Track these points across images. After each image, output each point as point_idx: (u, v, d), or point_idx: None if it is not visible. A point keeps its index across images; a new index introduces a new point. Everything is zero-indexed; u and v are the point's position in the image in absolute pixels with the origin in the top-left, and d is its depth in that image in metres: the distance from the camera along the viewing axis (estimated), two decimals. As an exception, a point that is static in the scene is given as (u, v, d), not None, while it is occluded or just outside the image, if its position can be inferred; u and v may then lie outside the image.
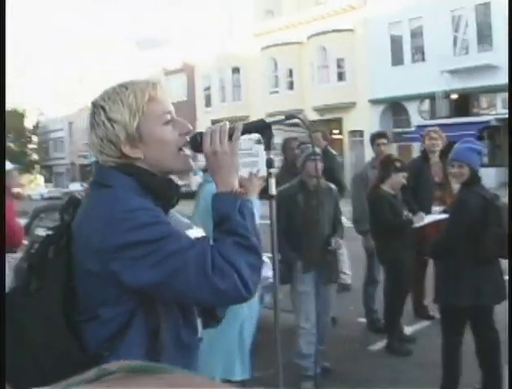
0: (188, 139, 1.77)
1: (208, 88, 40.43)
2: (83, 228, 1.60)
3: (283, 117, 1.86)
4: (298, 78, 33.75)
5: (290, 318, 5.00)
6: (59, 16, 62.29)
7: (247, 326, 4.22)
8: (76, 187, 43.08)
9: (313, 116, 30.74)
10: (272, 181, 1.88)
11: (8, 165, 6.20)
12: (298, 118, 1.93)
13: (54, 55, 58.91)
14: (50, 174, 64.11)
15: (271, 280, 5.66)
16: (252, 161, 3.56)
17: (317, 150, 5.21)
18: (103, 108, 1.69)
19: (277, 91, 34.72)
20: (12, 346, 1.59)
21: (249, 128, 1.80)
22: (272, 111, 34.29)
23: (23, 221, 6.57)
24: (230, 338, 4.08)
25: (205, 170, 4.27)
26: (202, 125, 38.02)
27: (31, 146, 62.47)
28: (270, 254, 5.20)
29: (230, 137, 1.73)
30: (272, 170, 1.87)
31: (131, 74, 46.82)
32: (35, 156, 62.82)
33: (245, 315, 4.15)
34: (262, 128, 1.83)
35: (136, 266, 1.52)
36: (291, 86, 34.38)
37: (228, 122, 1.78)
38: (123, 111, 1.67)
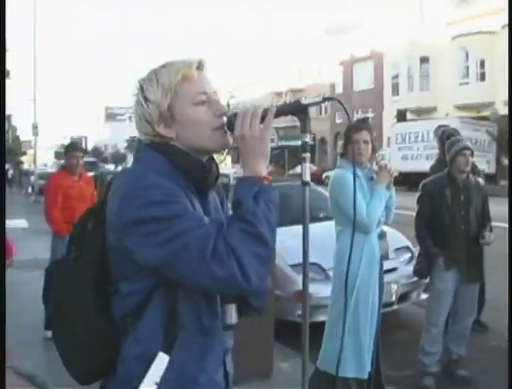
0: (225, 120, 1.72)
1: (396, 77, 39.66)
2: (108, 202, 1.64)
3: (320, 98, 1.73)
4: (490, 69, 31.81)
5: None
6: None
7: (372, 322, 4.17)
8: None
9: (504, 110, 28.79)
10: (306, 166, 1.74)
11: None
12: (337, 100, 1.80)
13: (247, 44, 61.19)
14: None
15: (414, 278, 5.64)
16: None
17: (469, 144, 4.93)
18: (141, 87, 1.72)
19: (467, 83, 33.10)
20: (54, 312, 1.72)
21: (283, 110, 1.71)
22: (461, 103, 32.79)
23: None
24: (361, 335, 4.06)
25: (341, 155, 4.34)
26: (389, 114, 37.60)
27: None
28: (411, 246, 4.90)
29: (263, 119, 1.64)
30: (306, 155, 1.74)
31: (318, 60, 47.75)
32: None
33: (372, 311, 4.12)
34: (298, 110, 1.72)
35: (146, 243, 1.51)
36: (482, 77, 32.55)
37: (262, 105, 1.70)
38: (156, 90, 1.68)
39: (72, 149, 6.55)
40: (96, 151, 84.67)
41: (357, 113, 43.35)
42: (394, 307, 6.17)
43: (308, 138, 1.73)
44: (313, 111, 29.83)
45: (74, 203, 6.13)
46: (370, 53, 42.48)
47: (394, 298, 6.07)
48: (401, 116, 35.49)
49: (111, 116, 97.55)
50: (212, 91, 1.73)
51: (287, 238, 5.94)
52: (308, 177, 1.75)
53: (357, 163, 4.15)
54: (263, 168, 1.63)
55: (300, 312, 5.24)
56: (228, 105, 65.94)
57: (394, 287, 6.05)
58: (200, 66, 1.73)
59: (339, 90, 47.10)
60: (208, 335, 1.66)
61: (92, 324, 1.62)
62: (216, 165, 1.79)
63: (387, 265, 4.81)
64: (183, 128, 1.69)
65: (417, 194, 5.01)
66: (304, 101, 1.71)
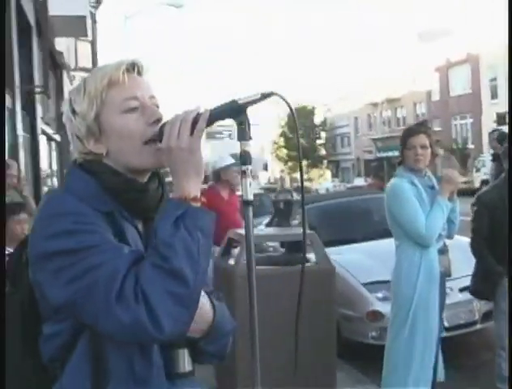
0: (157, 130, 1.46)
1: (494, 79, 38.39)
2: None
3: (258, 95, 1.43)
4: None
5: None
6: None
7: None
8: (360, 182, 44.50)
9: None
10: (247, 182, 1.44)
11: (228, 160, 6.63)
12: (277, 95, 1.43)
13: (341, 56, 61.06)
14: (337, 169, 66.77)
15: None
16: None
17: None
18: (70, 99, 1.52)
19: None
20: None
21: (218, 114, 1.43)
22: None
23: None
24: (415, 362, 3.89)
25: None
26: (488, 118, 36.47)
27: (319, 141, 65.89)
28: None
29: (193, 128, 1.39)
30: (246, 168, 1.43)
31: (412, 67, 46.93)
32: (323, 151, 66.10)
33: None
34: (235, 112, 1.43)
35: (54, 280, 1.32)
36: None
37: (200, 107, 1.44)
38: (83, 100, 1.47)
39: None
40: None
41: (455, 119, 42.38)
42: (478, 326, 5.81)
43: (248, 147, 1.43)
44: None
45: None
46: (466, 57, 41.41)
47: (477, 317, 5.76)
48: (501, 119, 34.33)
49: (211, 134, 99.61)
50: (148, 96, 1.51)
51: (361, 255, 6.14)
52: (250, 195, 1.44)
53: (415, 170, 3.95)
54: (193, 187, 1.39)
55: (374, 333, 5.41)
56: (325, 120, 65.90)
57: (477, 305, 5.67)
58: (131, 69, 1.50)
59: (435, 97, 46.17)
60: (144, 386, 1.43)
61: (20, 367, 1.46)
62: (162, 184, 1.57)
63: (467, 281, 4.69)
64: (111, 141, 1.47)
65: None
66: (241, 101, 1.42)
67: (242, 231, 5.11)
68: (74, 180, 1.49)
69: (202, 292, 1.46)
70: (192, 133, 1.40)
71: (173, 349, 1.50)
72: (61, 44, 15.24)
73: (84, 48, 21.89)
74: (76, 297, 1.31)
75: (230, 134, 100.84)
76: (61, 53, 14.53)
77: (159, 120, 1.48)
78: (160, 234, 1.33)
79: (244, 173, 1.44)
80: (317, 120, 65.06)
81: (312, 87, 68.20)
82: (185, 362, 1.52)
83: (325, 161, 66.43)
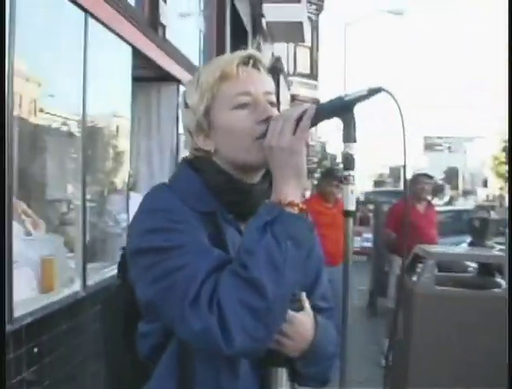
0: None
1: None
2: None
3: (364, 91, 1.27)
4: None
5: None
6: None
7: None
8: None
9: None
10: (348, 190, 1.30)
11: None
12: (385, 91, 1.26)
13: None
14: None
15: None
16: None
17: None
18: (184, 92, 1.47)
19: None
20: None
21: (324, 112, 1.29)
22: None
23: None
24: None
25: None
26: None
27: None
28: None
29: (298, 126, 1.28)
30: (350, 173, 1.29)
31: None
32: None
33: None
34: (341, 110, 1.29)
35: (143, 278, 1.30)
36: None
37: (309, 105, 1.32)
38: (194, 93, 1.41)
39: (328, 176, 6.33)
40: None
41: None
42: None
43: (352, 150, 1.29)
44: None
45: (324, 230, 5.47)
46: None
47: None
48: None
49: (430, 146, 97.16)
50: (263, 92, 1.40)
51: None
52: (351, 205, 1.30)
53: None
54: (291, 191, 1.27)
55: None
56: None
57: None
58: (247, 62, 1.40)
59: None
60: None
61: (119, 360, 1.48)
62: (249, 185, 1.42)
63: None
64: (220, 138, 1.39)
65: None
66: (347, 97, 1.28)
67: (429, 247, 4.98)
68: (180, 177, 1.45)
69: (307, 308, 1.37)
70: (295, 132, 1.28)
71: (267, 367, 1.39)
72: (281, 49, 15.72)
73: (304, 54, 22.43)
74: (156, 298, 1.27)
75: (450, 147, 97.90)
76: (279, 58, 14.96)
77: (269, 118, 1.35)
78: (244, 239, 1.26)
79: (345, 179, 1.30)
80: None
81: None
82: (279, 382, 1.41)
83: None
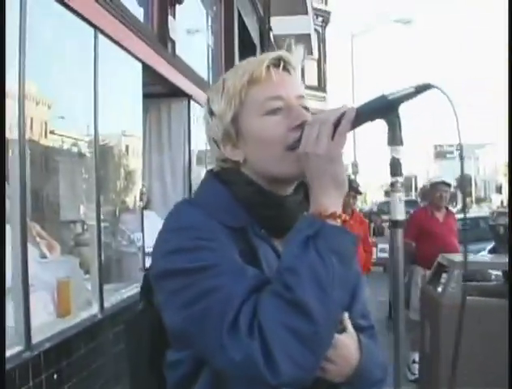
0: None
1: None
2: None
3: (411, 88, 1.15)
4: None
5: None
6: None
7: None
8: None
9: None
10: (396, 198, 1.18)
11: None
12: (436, 88, 1.13)
13: None
14: None
15: None
16: None
17: None
18: (208, 98, 1.34)
19: None
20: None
21: (366, 113, 1.18)
22: None
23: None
24: None
25: None
26: None
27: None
28: None
29: (336, 131, 1.16)
30: (397, 179, 1.18)
31: None
32: None
33: None
34: (384, 110, 1.17)
35: (172, 302, 1.17)
36: None
37: (346, 106, 1.20)
38: (221, 99, 1.29)
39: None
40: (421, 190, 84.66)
41: None
42: None
43: (400, 154, 1.18)
44: None
45: None
46: None
47: None
48: None
49: (440, 154, 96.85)
50: (295, 96, 1.28)
51: None
52: (399, 214, 1.19)
53: None
54: (332, 201, 1.16)
55: None
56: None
57: None
58: (277, 64, 1.28)
59: None
60: None
61: (144, 387, 1.41)
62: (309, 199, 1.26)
63: None
64: (250, 148, 1.28)
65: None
66: (391, 96, 1.16)
67: (453, 256, 4.85)
68: (206, 190, 1.33)
69: (350, 329, 1.27)
70: (333, 137, 1.16)
71: None
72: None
73: (311, 66, 22.43)
74: (187, 325, 1.14)
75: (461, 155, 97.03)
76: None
77: (303, 124, 1.23)
78: (285, 257, 1.14)
79: (393, 185, 1.19)
80: None
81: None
82: None
83: None
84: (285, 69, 1.29)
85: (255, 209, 1.27)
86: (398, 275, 1.19)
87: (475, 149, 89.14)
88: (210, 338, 1.09)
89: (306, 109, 1.29)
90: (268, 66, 1.26)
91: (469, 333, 3.95)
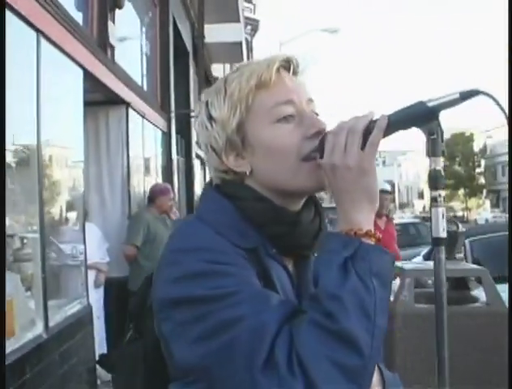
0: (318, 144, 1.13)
1: None
2: None
3: (456, 94, 1.05)
4: None
5: None
6: None
7: None
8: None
9: None
10: (438, 213, 1.10)
11: (384, 186, 6.45)
12: (485, 94, 1.04)
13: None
14: (497, 199, 63.53)
15: None
16: None
17: None
18: (206, 103, 1.20)
19: None
20: None
21: (400, 121, 1.08)
22: None
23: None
24: None
25: None
26: None
27: (478, 170, 63.22)
28: None
29: (365, 140, 1.06)
30: (439, 193, 1.09)
31: None
32: (482, 180, 63.37)
33: None
34: (422, 118, 1.08)
35: (182, 335, 1.03)
36: None
37: (374, 113, 1.10)
38: (223, 104, 1.16)
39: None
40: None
41: None
42: None
43: (440, 165, 1.09)
44: None
45: None
46: None
47: None
48: None
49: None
50: (306, 101, 1.18)
51: None
52: (442, 231, 1.10)
53: None
54: (366, 218, 1.07)
55: None
56: (485, 147, 63.19)
57: None
58: (287, 66, 1.19)
59: None
60: None
61: None
62: (320, 215, 1.23)
63: None
64: (259, 158, 1.16)
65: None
66: (431, 103, 1.06)
67: (404, 264, 4.88)
68: (210, 206, 1.18)
69: None
70: (363, 147, 1.06)
71: None
72: (218, 70, 15.66)
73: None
74: (207, 362, 1.00)
75: (384, 161, 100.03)
76: (217, 79, 14.86)
77: (320, 132, 1.13)
78: (323, 282, 1.01)
79: (435, 200, 1.09)
80: (477, 147, 62.41)
81: (471, 113, 65.64)
82: None
83: (484, 190, 63.56)
84: (294, 72, 1.20)
85: (267, 227, 1.14)
86: (442, 295, 1.11)
87: (398, 156, 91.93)
88: (239, 376, 0.96)
89: (317, 114, 1.19)
90: (278, 69, 1.16)
91: (424, 341, 3.99)
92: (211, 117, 1.18)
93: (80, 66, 4.55)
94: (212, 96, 1.19)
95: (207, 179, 1.27)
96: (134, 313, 1.30)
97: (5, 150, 2.72)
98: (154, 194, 6.07)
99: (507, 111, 1.04)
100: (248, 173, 1.17)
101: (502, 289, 4.86)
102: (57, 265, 4.46)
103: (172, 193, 6.45)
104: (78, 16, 4.91)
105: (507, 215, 47.06)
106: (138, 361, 1.24)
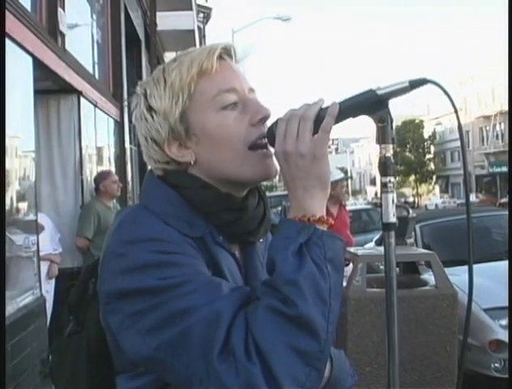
0: (265, 131, 1.14)
1: None
2: None
3: (405, 83, 1.07)
4: None
5: None
6: None
7: None
8: (472, 198, 42.89)
9: None
10: (388, 199, 1.11)
11: (337, 174, 6.46)
12: (433, 83, 1.07)
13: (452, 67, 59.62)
14: (446, 184, 64.99)
15: None
16: None
17: None
18: (144, 94, 1.18)
19: None
20: None
21: (350, 108, 1.09)
22: None
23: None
24: None
25: None
26: None
27: (428, 156, 64.47)
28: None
29: (317, 127, 1.06)
30: (389, 179, 1.11)
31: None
32: (432, 166, 64.67)
33: None
34: (372, 106, 1.09)
35: (131, 327, 1.01)
36: None
37: (323, 100, 1.10)
38: (164, 94, 1.15)
39: None
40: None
41: None
42: None
43: (390, 152, 1.10)
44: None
45: None
46: None
47: None
48: None
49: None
50: (248, 89, 1.18)
51: (480, 278, 5.51)
52: (391, 217, 1.11)
53: None
54: (319, 204, 1.07)
55: (497, 365, 4.93)
56: (434, 133, 64.58)
57: None
58: (227, 54, 1.19)
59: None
60: None
61: None
62: (264, 200, 1.24)
63: None
64: (202, 147, 1.15)
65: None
66: (381, 91, 1.08)
67: (356, 250, 4.96)
68: (155, 195, 1.17)
69: None
70: (315, 134, 1.06)
71: None
72: (171, 58, 15.52)
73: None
74: (160, 353, 0.99)
75: (337, 149, 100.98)
76: (170, 68, 14.73)
77: (266, 118, 1.15)
78: (279, 268, 1.00)
79: (385, 186, 1.11)
80: (427, 134, 63.64)
81: (421, 100, 66.92)
82: None
83: (434, 176, 64.89)
84: (236, 61, 1.21)
85: (214, 214, 1.14)
86: (392, 279, 1.14)
87: (351, 143, 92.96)
88: (195, 366, 0.96)
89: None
90: (219, 57, 1.16)
91: (377, 325, 4.09)
92: (151, 109, 1.16)
93: (30, 53, 4.46)
94: (151, 86, 1.17)
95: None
96: (73, 304, 1.26)
97: (4, 149, 2.62)
98: (97, 181, 6.17)
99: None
100: (192, 163, 1.16)
101: (450, 273, 5.04)
102: (8, 256, 4.39)
103: (116, 176, 6.51)
104: (26, 3, 4.80)
105: (456, 200, 48.33)
106: (80, 354, 1.21)
